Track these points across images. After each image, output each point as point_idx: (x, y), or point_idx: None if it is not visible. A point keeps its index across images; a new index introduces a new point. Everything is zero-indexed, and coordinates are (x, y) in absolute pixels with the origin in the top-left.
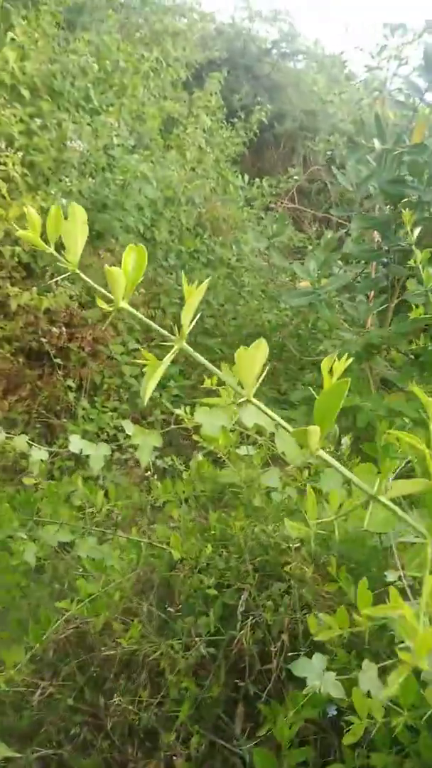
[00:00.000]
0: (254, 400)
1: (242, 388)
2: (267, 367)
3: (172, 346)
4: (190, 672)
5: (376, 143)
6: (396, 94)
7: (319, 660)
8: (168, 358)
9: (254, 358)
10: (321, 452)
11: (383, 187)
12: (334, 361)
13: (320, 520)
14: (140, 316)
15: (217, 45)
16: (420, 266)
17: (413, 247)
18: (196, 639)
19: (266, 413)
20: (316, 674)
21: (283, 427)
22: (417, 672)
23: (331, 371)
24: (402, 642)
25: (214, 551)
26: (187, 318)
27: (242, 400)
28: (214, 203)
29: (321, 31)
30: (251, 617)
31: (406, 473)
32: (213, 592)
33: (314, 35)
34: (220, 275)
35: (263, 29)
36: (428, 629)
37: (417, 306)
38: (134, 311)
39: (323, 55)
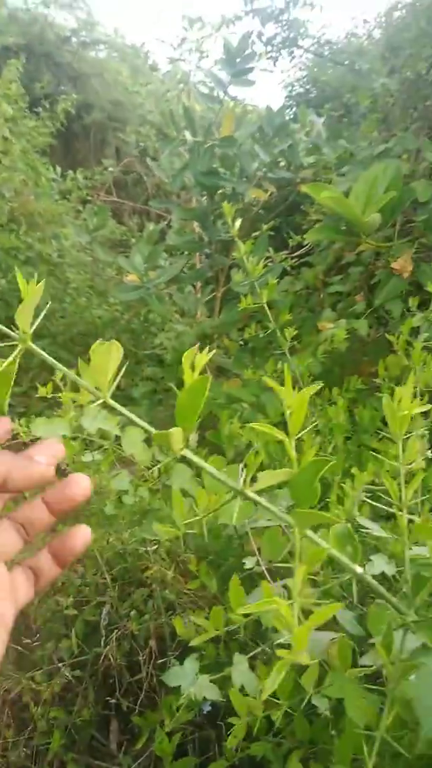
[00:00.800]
0: (112, 402)
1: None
2: (124, 367)
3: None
4: (56, 700)
5: (188, 136)
6: (200, 86)
7: (191, 664)
8: (8, 362)
9: (108, 355)
10: (186, 452)
11: (198, 179)
12: (195, 354)
13: (188, 521)
14: None
15: (11, 31)
16: (244, 258)
17: (236, 239)
18: (59, 665)
19: (126, 414)
20: (189, 680)
21: (145, 428)
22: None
23: (192, 366)
24: (274, 630)
25: (68, 568)
26: (26, 318)
27: (98, 402)
28: (26, 197)
29: (120, 20)
30: (116, 630)
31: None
32: (72, 611)
33: (113, 24)
34: (42, 272)
35: (60, 16)
36: (304, 624)
37: (245, 296)
38: None
39: (124, 45)
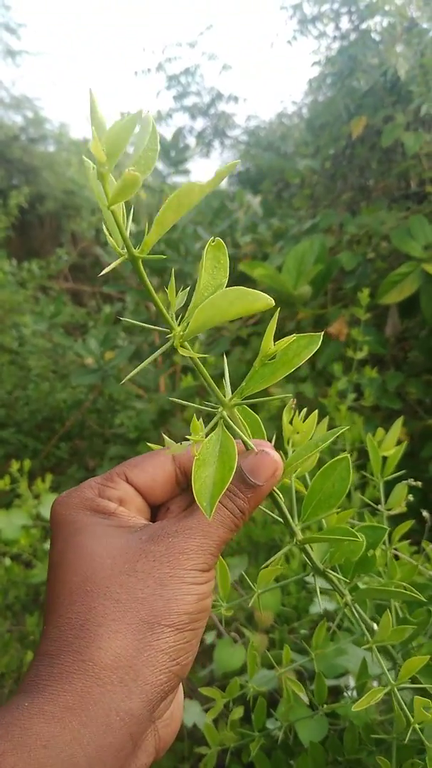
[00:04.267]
0: None
1: None
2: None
3: None
4: None
5: (131, 225)
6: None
7: None
8: None
9: None
10: None
11: (147, 262)
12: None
13: None
14: None
15: None
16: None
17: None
18: None
19: None
20: None
21: None
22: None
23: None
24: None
25: None
26: None
27: None
28: None
29: (67, 115)
30: None
31: None
32: None
33: (60, 119)
34: (4, 362)
35: (7, 116)
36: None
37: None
38: None
39: (68, 140)
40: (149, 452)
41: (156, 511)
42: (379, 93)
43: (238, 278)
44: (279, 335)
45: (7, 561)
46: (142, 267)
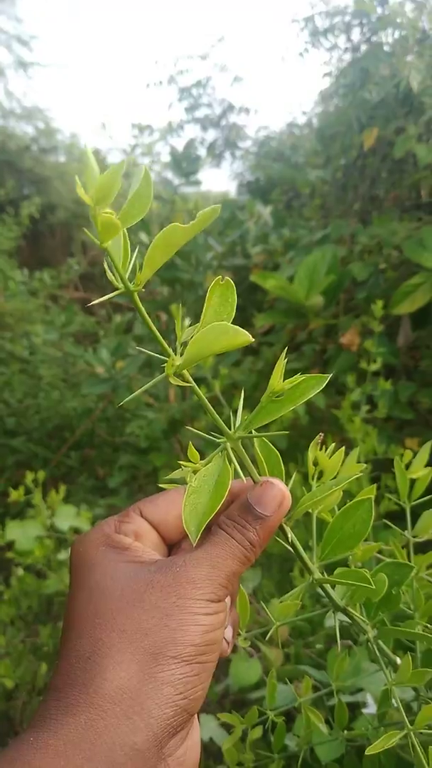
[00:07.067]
0: None
1: None
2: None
3: None
4: None
5: (143, 237)
6: (155, 185)
7: None
8: None
9: None
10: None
11: (158, 272)
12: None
13: None
14: None
15: None
16: None
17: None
18: None
19: None
20: None
21: None
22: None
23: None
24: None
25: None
26: None
27: None
28: None
29: (78, 126)
30: None
31: None
32: None
33: (71, 129)
34: (14, 371)
35: (19, 127)
36: None
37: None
38: None
39: (79, 150)
40: (165, 490)
41: (171, 550)
42: (391, 104)
43: (248, 288)
44: (291, 345)
45: (20, 571)
46: (138, 301)
